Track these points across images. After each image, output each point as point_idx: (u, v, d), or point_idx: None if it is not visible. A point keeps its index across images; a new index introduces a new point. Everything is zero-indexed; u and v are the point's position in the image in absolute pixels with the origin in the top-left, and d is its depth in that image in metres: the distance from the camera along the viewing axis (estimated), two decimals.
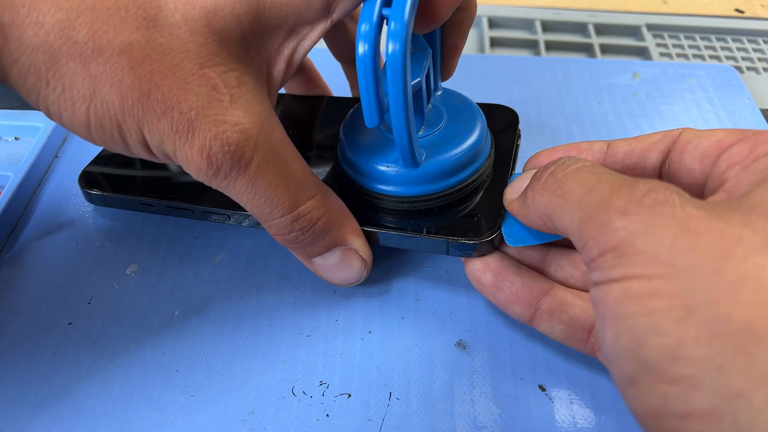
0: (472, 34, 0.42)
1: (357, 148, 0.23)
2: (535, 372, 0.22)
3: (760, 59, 0.40)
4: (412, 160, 0.21)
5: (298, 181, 0.20)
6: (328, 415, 0.20)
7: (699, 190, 0.18)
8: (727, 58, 0.40)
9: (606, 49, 0.41)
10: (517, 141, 0.26)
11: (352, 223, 0.22)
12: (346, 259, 0.22)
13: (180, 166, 0.19)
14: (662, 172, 0.19)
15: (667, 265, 0.13)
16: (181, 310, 0.23)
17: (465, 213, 0.23)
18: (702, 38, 0.42)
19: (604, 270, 0.14)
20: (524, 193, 0.19)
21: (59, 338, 0.22)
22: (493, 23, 0.43)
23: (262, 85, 0.19)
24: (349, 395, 0.21)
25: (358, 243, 0.22)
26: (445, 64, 0.24)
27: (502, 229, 0.22)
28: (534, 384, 0.21)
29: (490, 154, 0.24)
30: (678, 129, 0.19)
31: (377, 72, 0.18)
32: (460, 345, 0.22)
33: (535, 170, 0.19)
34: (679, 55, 0.40)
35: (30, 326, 0.23)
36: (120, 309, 0.23)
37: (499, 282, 0.21)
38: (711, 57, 0.40)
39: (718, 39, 0.42)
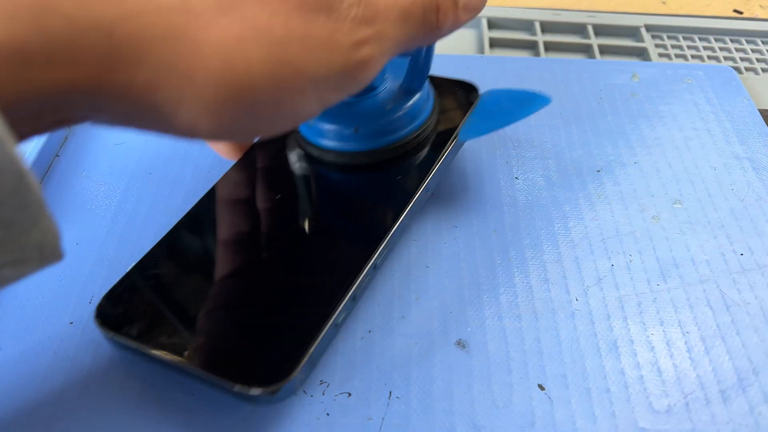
0: (471, 35, 0.42)
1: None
2: (535, 371, 0.22)
3: (758, 60, 0.40)
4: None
5: None
6: (328, 414, 0.20)
7: None
8: (726, 58, 0.40)
9: (605, 50, 0.41)
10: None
11: None
12: None
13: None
14: None
15: None
16: None
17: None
18: (701, 39, 0.42)
19: None
20: None
21: (60, 338, 0.23)
22: (492, 24, 0.43)
23: None
24: (349, 394, 0.21)
25: None
26: None
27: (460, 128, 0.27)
28: (533, 383, 0.21)
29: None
30: None
31: None
32: (460, 344, 0.22)
33: None
34: (677, 56, 0.41)
35: (31, 326, 0.23)
36: None
37: None
38: (710, 58, 0.41)
39: (716, 40, 0.42)
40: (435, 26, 0.20)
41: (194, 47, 0.14)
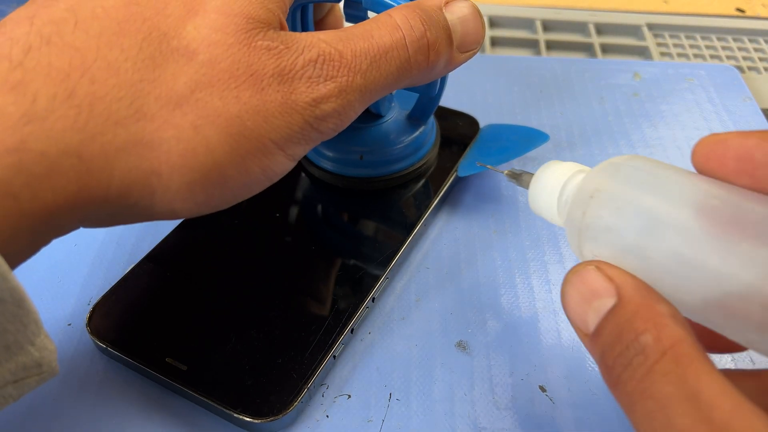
0: None
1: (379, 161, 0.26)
2: (536, 373, 0.22)
3: (761, 59, 0.40)
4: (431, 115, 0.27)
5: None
6: (327, 416, 0.20)
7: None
8: (728, 57, 0.40)
9: (606, 49, 0.41)
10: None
11: None
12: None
13: None
14: None
15: None
16: None
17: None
18: (703, 38, 0.42)
19: None
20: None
21: (59, 339, 0.22)
22: (493, 23, 0.43)
23: None
24: (349, 396, 0.21)
25: None
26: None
27: (460, 163, 0.28)
28: (534, 385, 0.21)
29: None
30: None
31: None
32: (460, 345, 0.22)
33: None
34: (679, 55, 0.40)
35: None
36: None
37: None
38: (712, 57, 0.40)
39: (718, 38, 0.42)
40: (425, 66, 0.19)
41: (153, 147, 0.15)
